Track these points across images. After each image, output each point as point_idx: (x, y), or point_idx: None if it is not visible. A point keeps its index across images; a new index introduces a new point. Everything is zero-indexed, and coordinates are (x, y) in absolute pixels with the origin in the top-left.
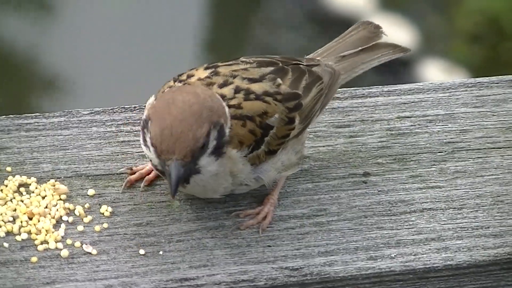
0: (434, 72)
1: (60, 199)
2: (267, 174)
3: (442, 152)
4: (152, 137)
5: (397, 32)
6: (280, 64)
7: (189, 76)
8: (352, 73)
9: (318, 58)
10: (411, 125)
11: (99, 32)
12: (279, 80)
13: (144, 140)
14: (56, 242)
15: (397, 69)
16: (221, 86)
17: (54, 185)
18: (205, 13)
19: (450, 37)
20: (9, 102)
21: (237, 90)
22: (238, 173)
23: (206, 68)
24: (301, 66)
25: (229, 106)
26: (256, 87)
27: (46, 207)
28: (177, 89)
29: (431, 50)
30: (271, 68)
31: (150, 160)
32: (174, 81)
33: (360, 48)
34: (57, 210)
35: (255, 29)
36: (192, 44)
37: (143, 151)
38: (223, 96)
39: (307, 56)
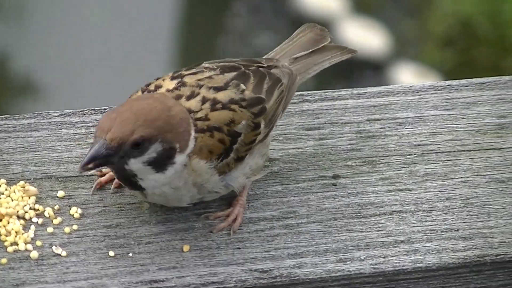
0: (407, 76)
1: (30, 201)
2: (236, 180)
3: (411, 154)
4: (100, 119)
5: (370, 36)
6: (242, 69)
7: (157, 87)
8: (306, 75)
9: (276, 59)
10: (381, 128)
11: (70, 34)
12: (242, 86)
13: None
14: (25, 243)
15: (368, 73)
16: (189, 98)
17: (24, 187)
18: (177, 16)
19: (422, 41)
20: None
21: (203, 101)
22: (203, 183)
23: (172, 78)
24: (261, 69)
25: (196, 119)
26: (222, 96)
27: (16, 208)
28: (154, 95)
29: (404, 54)
30: (234, 74)
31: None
32: (142, 92)
33: (310, 50)
34: (27, 211)
35: (228, 33)
36: (164, 46)
37: None
38: (190, 111)
39: (265, 57)
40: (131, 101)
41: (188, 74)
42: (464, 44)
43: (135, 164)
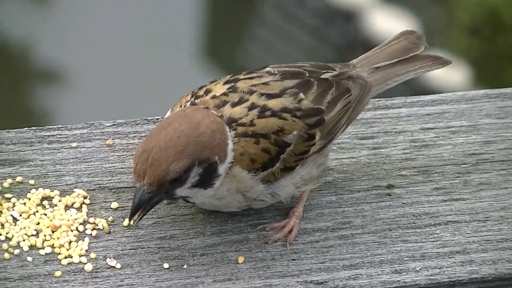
0: None
1: (83, 212)
2: (284, 189)
3: (466, 163)
4: (134, 155)
5: (397, 25)
6: (307, 75)
7: (206, 92)
8: (384, 86)
9: (353, 65)
10: (435, 137)
11: (94, 22)
12: (301, 95)
13: None
14: (79, 256)
15: None
16: (234, 104)
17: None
18: (204, 15)
19: (449, 29)
20: (4, 94)
21: (251, 108)
22: (247, 191)
23: (225, 82)
24: (329, 78)
25: (240, 125)
26: (274, 103)
27: (69, 220)
28: (184, 112)
29: (431, 43)
30: (295, 81)
31: None
32: (192, 96)
33: (396, 59)
34: (81, 223)
35: (255, 30)
36: (189, 33)
37: None
38: (232, 120)
39: (345, 63)
40: (157, 131)
41: (244, 79)
42: (491, 32)
43: (182, 192)
